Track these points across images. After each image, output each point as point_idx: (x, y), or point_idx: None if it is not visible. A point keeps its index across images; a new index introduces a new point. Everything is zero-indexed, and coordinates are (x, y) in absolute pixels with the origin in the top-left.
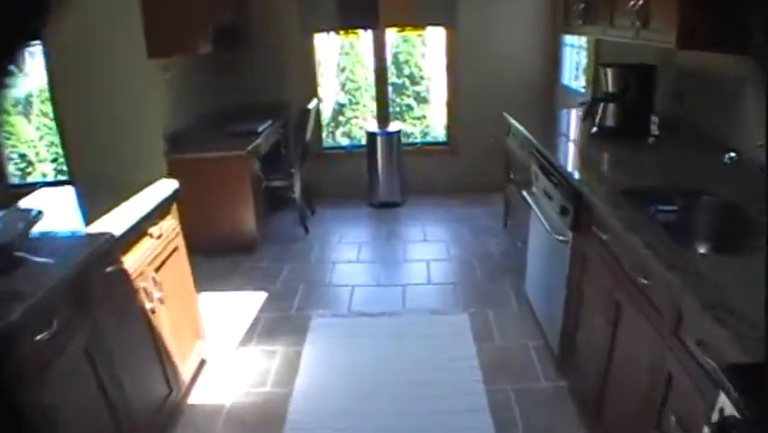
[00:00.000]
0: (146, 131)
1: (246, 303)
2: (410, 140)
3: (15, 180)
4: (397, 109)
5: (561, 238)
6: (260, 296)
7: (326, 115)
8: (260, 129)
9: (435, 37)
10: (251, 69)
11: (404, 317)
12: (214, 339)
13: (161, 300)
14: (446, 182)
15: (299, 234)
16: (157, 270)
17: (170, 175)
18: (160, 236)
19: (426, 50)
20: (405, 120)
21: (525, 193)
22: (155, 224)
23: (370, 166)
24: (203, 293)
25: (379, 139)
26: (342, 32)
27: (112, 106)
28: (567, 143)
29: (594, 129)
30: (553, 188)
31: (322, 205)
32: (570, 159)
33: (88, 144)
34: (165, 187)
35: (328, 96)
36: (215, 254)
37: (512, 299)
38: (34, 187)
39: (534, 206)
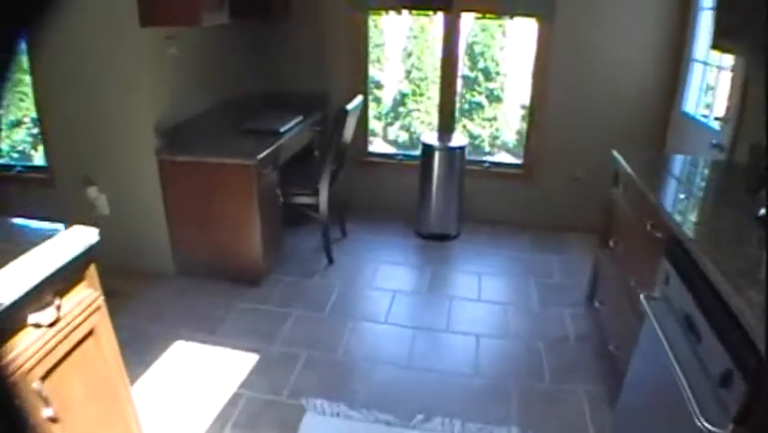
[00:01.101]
0: (135, 121)
1: (228, 368)
2: (477, 142)
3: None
4: (466, 106)
5: (712, 430)
6: (249, 360)
7: (386, 103)
8: (284, 128)
9: (520, 28)
10: (284, 51)
11: (432, 426)
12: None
13: (54, 419)
14: (515, 215)
15: (320, 264)
16: (47, 375)
17: (163, 180)
18: (55, 322)
19: (507, 43)
20: (472, 119)
21: (642, 298)
22: (45, 305)
23: (423, 185)
24: (178, 342)
25: (437, 154)
26: (410, 12)
27: (93, 87)
28: (720, 233)
29: (762, 212)
30: (706, 325)
31: (357, 223)
32: (734, 270)
33: (67, 135)
34: (73, 240)
35: (390, 83)
36: (209, 282)
37: (587, 422)
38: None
39: (659, 331)
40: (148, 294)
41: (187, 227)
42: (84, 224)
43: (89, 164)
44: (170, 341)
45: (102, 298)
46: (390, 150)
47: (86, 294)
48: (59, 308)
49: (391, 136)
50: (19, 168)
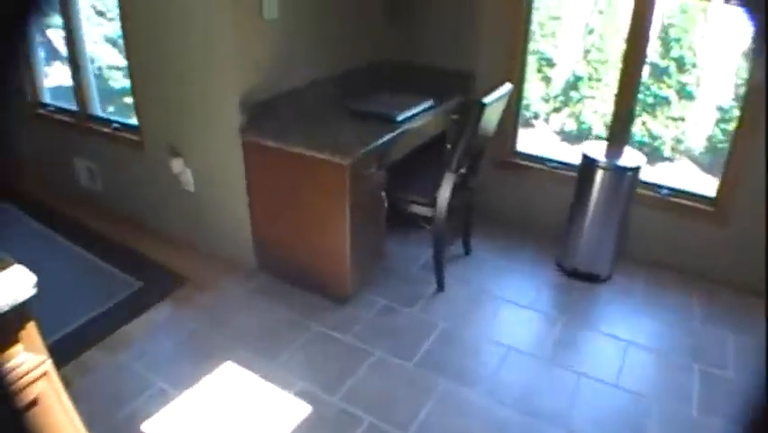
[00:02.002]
0: (218, 91)
1: (269, 418)
2: (656, 144)
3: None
4: (650, 100)
5: None
6: (299, 412)
7: (556, 85)
8: (404, 116)
9: (730, 15)
10: (423, 15)
11: None
12: None
13: None
14: (689, 261)
15: (427, 288)
16: None
17: (247, 163)
18: None
19: (710, 31)
20: (655, 116)
21: None
22: None
23: (577, 206)
24: (231, 363)
25: (600, 173)
26: None
27: (176, 41)
28: None
29: None
30: None
31: (486, 239)
32: None
33: (154, 96)
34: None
35: (563, 63)
36: (290, 287)
37: None
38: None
39: None
40: (221, 288)
41: (271, 220)
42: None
43: (175, 133)
44: (224, 358)
45: (48, 361)
46: (548, 146)
47: (24, 359)
48: None
49: (556, 124)
50: (116, 124)
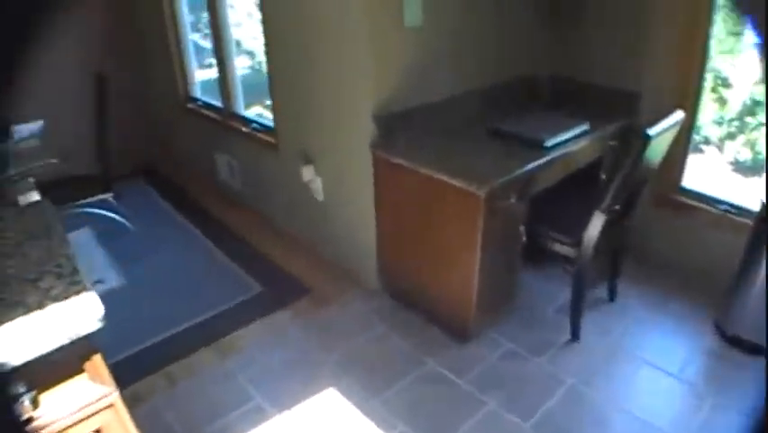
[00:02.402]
0: (352, 100)
1: None
2: None
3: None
4: None
5: None
6: None
7: (731, 109)
8: (554, 141)
9: None
10: (585, 23)
11: None
12: None
13: None
14: None
15: (560, 335)
16: None
17: (376, 179)
18: (29, 421)
19: None
20: None
21: None
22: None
23: (749, 261)
24: (333, 391)
25: None
26: None
27: (316, 52)
28: None
29: None
30: None
31: (633, 284)
32: None
33: (289, 97)
34: (66, 322)
35: (741, 83)
36: (411, 314)
37: None
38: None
39: None
40: (340, 305)
41: (397, 241)
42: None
43: (308, 140)
44: (328, 384)
45: (115, 393)
46: (718, 176)
47: (88, 389)
48: (34, 403)
49: (729, 152)
50: (255, 124)
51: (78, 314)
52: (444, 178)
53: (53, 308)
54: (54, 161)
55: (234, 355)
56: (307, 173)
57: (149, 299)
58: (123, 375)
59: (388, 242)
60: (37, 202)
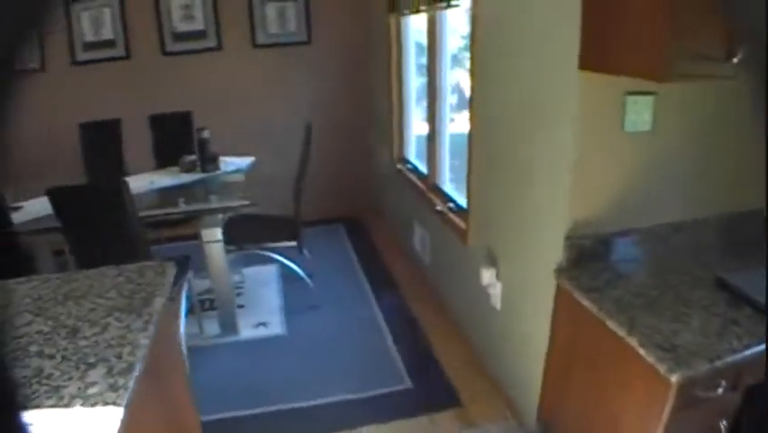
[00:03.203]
0: (546, 207)
1: None
2: None
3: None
4: None
5: None
6: None
7: None
8: None
9: None
10: None
11: None
12: None
13: None
14: None
15: None
16: None
17: (556, 306)
18: None
19: None
20: None
21: None
22: None
23: None
24: None
25: None
26: None
27: (516, 146)
28: None
29: None
30: None
31: None
32: None
33: (483, 191)
34: None
35: None
36: None
37: None
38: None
39: None
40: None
41: (563, 388)
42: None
43: (495, 238)
44: None
45: None
46: None
47: None
48: None
49: None
50: (451, 204)
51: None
52: (632, 343)
53: (75, 412)
54: (246, 202)
55: None
56: (487, 276)
57: (298, 358)
58: None
59: (554, 383)
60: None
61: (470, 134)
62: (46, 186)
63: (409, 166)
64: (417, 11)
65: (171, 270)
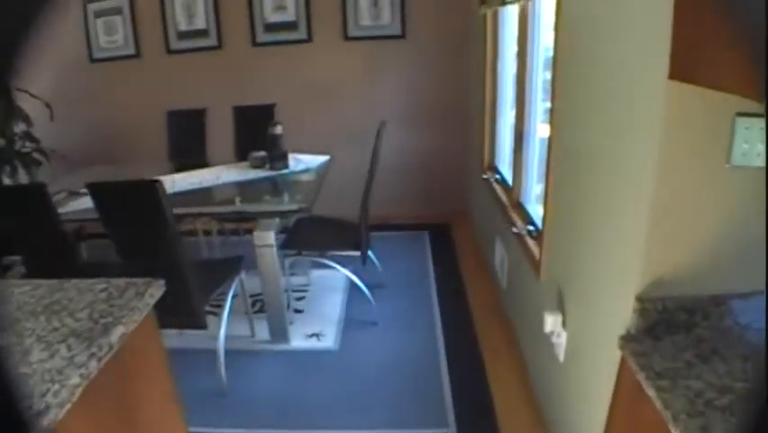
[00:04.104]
0: (615, 261)
1: None
2: None
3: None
4: None
5: None
6: None
7: None
8: None
9: None
10: None
11: None
12: None
13: None
14: None
15: None
16: None
17: (618, 383)
18: None
19: None
20: None
21: None
22: None
23: None
24: None
25: None
26: None
27: (596, 179)
28: None
29: None
30: None
31: None
32: None
33: (559, 220)
34: None
35: None
36: None
37: None
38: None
39: None
40: None
41: None
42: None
43: (565, 278)
44: None
45: None
46: None
47: None
48: None
49: None
50: (531, 227)
51: None
52: None
53: None
54: (295, 207)
55: None
56: (551, 322)
57: (341, 379)
58: None
59: None
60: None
61: (550, 144)
62: (131, 170)
63: (497, 176)
64: (504, 2)
65: (158, 290)
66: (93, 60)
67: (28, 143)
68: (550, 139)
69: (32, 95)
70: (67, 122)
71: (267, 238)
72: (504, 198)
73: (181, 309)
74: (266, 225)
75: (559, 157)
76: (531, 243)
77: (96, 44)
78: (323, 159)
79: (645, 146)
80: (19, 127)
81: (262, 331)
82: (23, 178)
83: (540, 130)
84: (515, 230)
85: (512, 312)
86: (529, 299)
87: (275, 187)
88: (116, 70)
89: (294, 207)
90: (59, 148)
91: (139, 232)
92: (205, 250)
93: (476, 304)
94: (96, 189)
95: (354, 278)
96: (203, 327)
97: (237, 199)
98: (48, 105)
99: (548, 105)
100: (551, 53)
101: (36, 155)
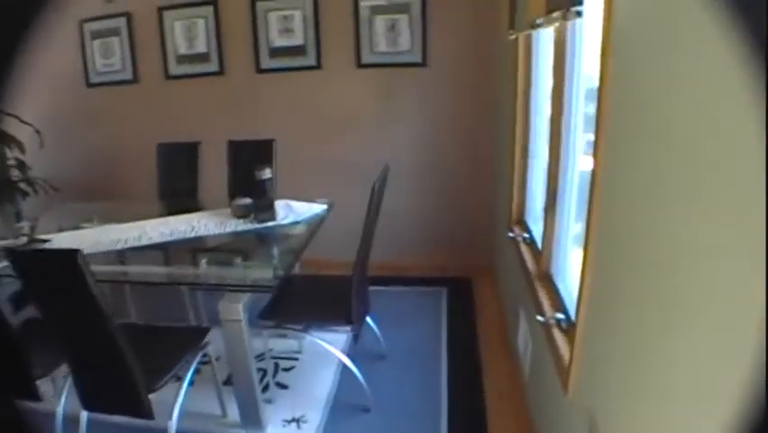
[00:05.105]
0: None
1: None
2: None
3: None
4: None
5: None
6: None
7: None
8: None
9: None
10: None
11: None
12: None
13: None
14: None
15: None
16: None
17: None
18: None
19: None
20: None
21: None
22: None
23: None
24: None
25: None
26: None
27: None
28: None
29: None
30: None
31: None
32: None
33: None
34: None
35: None
36: None
37: None
38: None
39: None
40: None
41: None
42: None
43: (603, 398)
44: None
45: None
46: None
47: None
48: None
49: None
50: (561, 316)
51: None
52: None
53: None
54: (265, 282)
55: None
56: None
57: None
58: None
59: None
60: None
61: (590, 200)
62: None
63: (525, 235)
64: (534, 26)
65: None
66: (90, 85)
67: (16, 173)
68: (593, 175)
69: (22, 120)
70: (59, 150)
71: (233, 312)
72: (531, 264)
73: (120, 399)
74: (233, 297)
75: (606, 206)
76: (559, 337)
77: (93, 68)
78: (319, 208)
79: (735, 217)
80: (12, 154)
81: (234, 411)
82: (7, 210)
83: (580, 163)
84: (540, 318)
85: (535, 411)
86: (553, 414)
87: (255, 244)
88: (113, 96)
89: (265, 280)
90: (49, 177)
91: (62, 310)
92: (187, 297)
93: (493, 392)
94: (16, 258)
95: (344, 358)
96: (149, 417)
97: (203, 261)
98: (38, 132)
99: (590, 137)
100: (593, 83)
101: (23, 185)
